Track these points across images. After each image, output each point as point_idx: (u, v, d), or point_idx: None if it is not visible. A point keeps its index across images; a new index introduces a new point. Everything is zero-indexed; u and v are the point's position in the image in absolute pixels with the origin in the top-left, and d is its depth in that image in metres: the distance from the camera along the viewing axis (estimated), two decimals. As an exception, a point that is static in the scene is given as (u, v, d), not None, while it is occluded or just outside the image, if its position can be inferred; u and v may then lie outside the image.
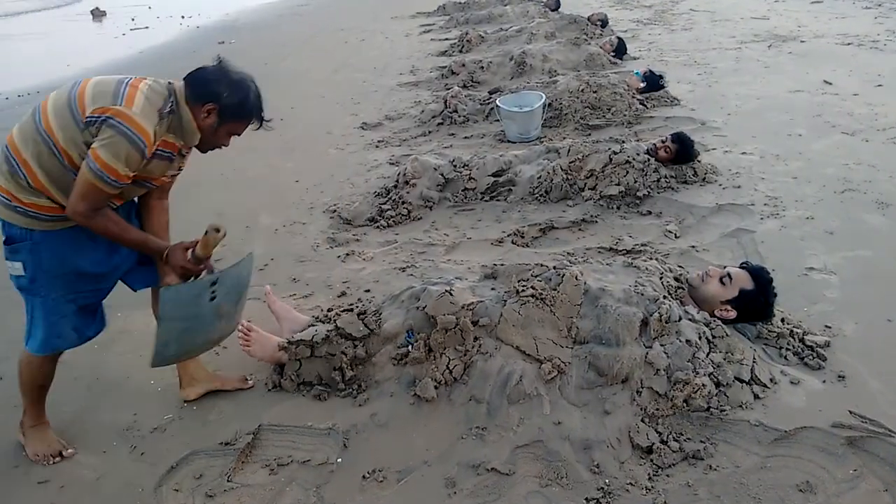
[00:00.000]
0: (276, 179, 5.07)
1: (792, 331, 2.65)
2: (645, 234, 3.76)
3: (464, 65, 7.67)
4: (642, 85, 6.05)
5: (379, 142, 5.73)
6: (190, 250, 2.23)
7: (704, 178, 4.27)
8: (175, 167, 2.32)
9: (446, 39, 10.30)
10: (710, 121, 5.42)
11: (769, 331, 2.64)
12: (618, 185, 4.14)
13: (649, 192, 4.11)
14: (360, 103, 7.09)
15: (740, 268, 2.67)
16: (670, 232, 3.72)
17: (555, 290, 2.58)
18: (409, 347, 2.57)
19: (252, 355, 2.69)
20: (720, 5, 11.04)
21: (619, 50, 7.83)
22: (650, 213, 3.98)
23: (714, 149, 4.81)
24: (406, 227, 4.14)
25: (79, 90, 2.07)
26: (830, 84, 6.10)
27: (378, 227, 4.16)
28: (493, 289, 2.75)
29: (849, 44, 7.60)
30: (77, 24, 16.01)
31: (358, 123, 6.32)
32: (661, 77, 6.15)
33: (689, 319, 2.49)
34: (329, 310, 3.17)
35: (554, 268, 2.71)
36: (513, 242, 3.82)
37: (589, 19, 9.43)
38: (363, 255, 3.75)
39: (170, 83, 2.19)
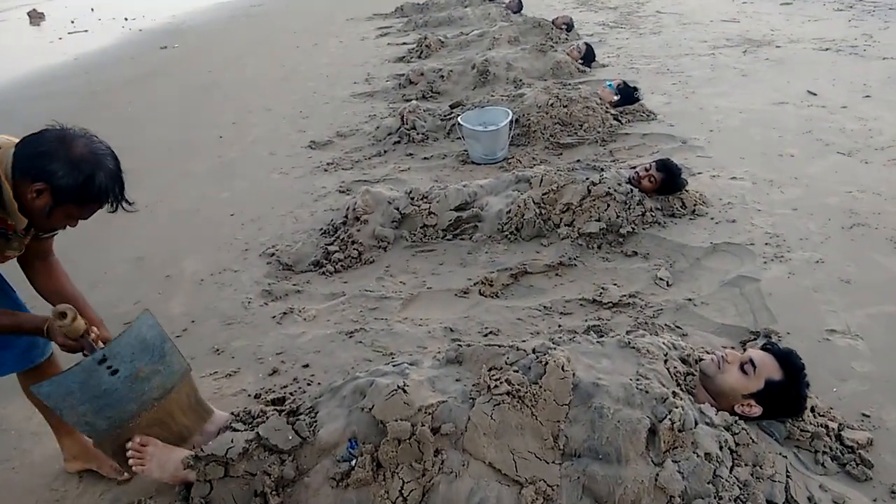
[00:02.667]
0: (209, 212, 4.43)
1: (826, 426, 2.15)
2: (632, 282, 3.24)
3: (422, 73, 7.09)
4: (616, 98, 5.56)
5: (328, 164, 5.12)
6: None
7: (694, 211, 3.78)
8: (16, 246, 1.78)
9: (404, 44, 9.70)
10: (692, 139, 4.94)
11: (801, 429, 2.13)
12: (598, 220, 3.62)
13: (634, 229, 3.60)
14: (308, 117, 6.47)
15: (763, 350, 2.16)
16: (661, 279, 3.21)
17: (536, 384, 2.03)
18: (352, 463, 2.00)
19: (148, 476, 2.09)
20: (687, 7, 10.66)
21: (587, 57, 7.34)
22: (636, 253, 3.48)
23: (700, 173, 4.33)
24: (356, 273, 3.56)
25: None
26: (815, 95, 5.69)
27: (323, 273, 3.57)
28: (457, 380, 2.19)
29: (826, 49, 7.24)
30: (12, 26, 14.96)
31: (306, 142, 5.70)
32: (635, 89, 5.66)
33: (707, 423, 1.97)
34: (256, 396, 2.58)
35: (534, 351, 2.17)
36: (480, 293, 3.27)
37: (553, 23, 8.93)
38: (304, 314, 3.16)
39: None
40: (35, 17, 15.53)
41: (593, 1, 12.13)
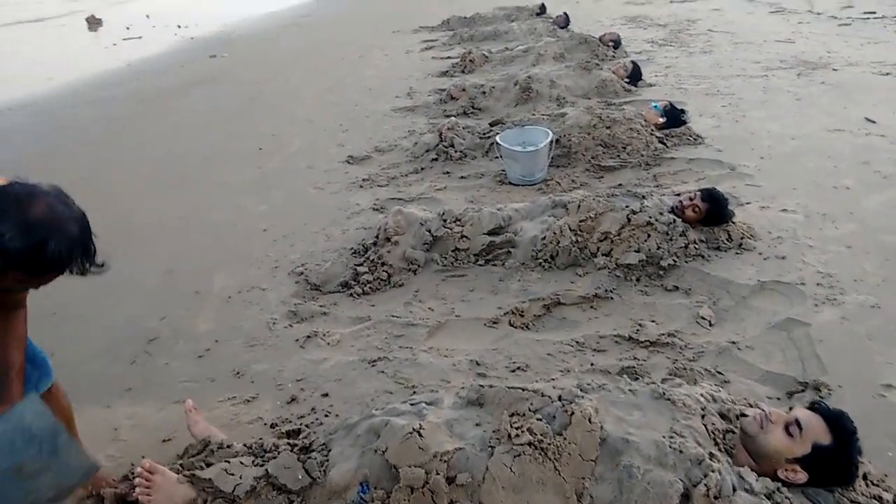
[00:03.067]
0: (243, 225, 4.41)
1: (880, 497, 1.96)
2: (672, 319, 3.08)
3: (464, 89, 7.01)
4: (662, 120, 5.38)
5: (364, 180, 5.07)
6: None
7: (741, 245, 3.59)
8: None
9: (448, 58, 9.65)
10: (741, 165, 4.74)
11: (851, 500, 1.95)
12: (637, 251, 3.46)
13: (675, 262, 3.43)
14: (348, 131, 6.44)
15: (811, 409, 1.98)
16: (703, 318, 3.04)
17: (560, 435, 1.90)
18: (363, 509, 1.90)
19: (154, 509, 2.02)
20: (740, 26, 10.36)
21: (634, 75, 7.16)
22: (677, 288, 3.31)
23: (748, 203, 4.12)
24: (384, 297, 3.47)
25: None
26: (874, 122, 5.42)
27: (351, 294, 3.49)
28: (477, 424, 2.07)
29: (887, 73, 6.91)
30: (71, 32, 15.43)
31: (344, 156, 5.66)
32: (682, 112, 5.47)
33: (747, 490, 1.81)
34: (272, 425, 2.51)
35: (560, 399, 2.03)
36: (510, 324, 3.15)
37: (601, 39, 8.77)
38: (328, 338, 3.08)
39: None
40: (93, 23, 15.99)
41: (642, 18, 11.91)
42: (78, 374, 2.92)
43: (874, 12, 10.23)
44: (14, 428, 1.72)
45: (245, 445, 2.23)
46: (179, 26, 15.34)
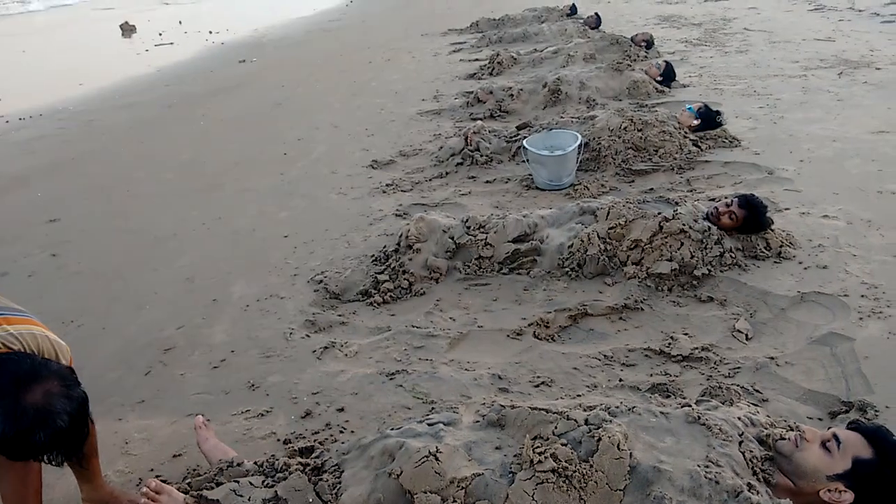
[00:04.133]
0: (264, 232, 4.35)
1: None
2: (706, 332, 2.92)
3: (491, 92, 6.89)
4: (696, 122, 5.19)
5: (387, 185, 4.98)
6: None
7: (780, 254, 3.41)
8: None
9: (476, 60, 9.54)
10: (779, 169, 4.53)
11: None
12: (670, 260, 3.31)
13: (710, 271, 3.27)
14: (374, 135, 6.36)
15: (849, 429, 1.83)
16: (740, 331, 2.87)
17: (586, 462, 1.77)
18: (375, 536, 1.80)
19: (159, 530, 1.94)
20: (777, 24, 10.06)
21: (667, 76, 6.97)
22: (711, 299, 3.14)
23: (787, 209, 3.93)
24: (405, 306, 3.37)
25: None
26: (921, 123, 5.16)
27: (371, 304, 3.39)
28: (498, 447, 1.95)
29: (934, 72, 6.62)
30: (105, 37, 15.67)
31: (368, 161, 5.58)
32: (718, 114, 5.27)
33: (788, 525, 1.66)
34: (286, 441, 2.42)
35: (587, 423, 1.90)
36: (535, 335, 3.02)
37: (633, 40, 8.58)
38: (345, 349, 2.99)
39: None
40: (127, 30, 16.22)
41: (676, 17, 11.66)
42: (93, 385, 2.86)
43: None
44: None
45: (256, 464, 2.14)
46: (211, 32, 15.50)
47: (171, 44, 14.08)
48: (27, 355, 1.61)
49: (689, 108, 5.28)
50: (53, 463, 1.58)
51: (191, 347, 3.10)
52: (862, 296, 3.01)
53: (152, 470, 2.35)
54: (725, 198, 3.57)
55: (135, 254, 4.12)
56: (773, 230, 3.50)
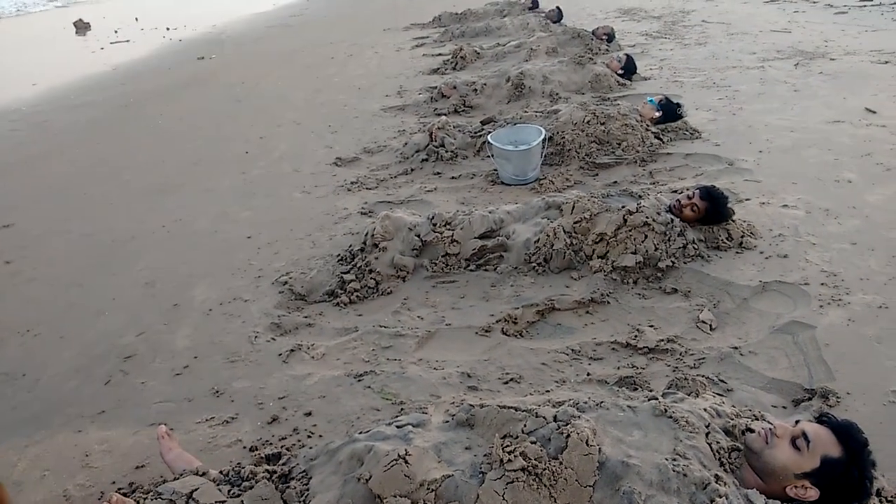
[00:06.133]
0: (227, 234, 4.26)
1: (899, 518, 1.83)
2: (671, 324, 2.95)
3: (455, 87, 6.87)
4: (657, 115, 5.24)
5: (352, 183, 4.92)
6: None
7: (741, 244, 3.45)
8: None
9: (440, 55, 9.50)
10: (739, 160, 4.60)
11: (867, 521, 1.82)
12: (634, 253, 3.33)
13: (674, 263, 3.30)
14: (337, 132, 6.29)
15: (818, 422, 1.86)
16: (704, 322, 2.90)
17: (556, 459, 1.77)
18: (344, 543, 1.77)
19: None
20: (735, 16, 10.23)
21: (628, 68, 7.03)
22: (676, 291, 3.17)
23: (748, 199, 3.99)
24: (372, 305, 3.34)
25: None
26: (874, 113, 5.28)
27: (337, 304, 3.35)
28: (467, 447, 1.94)
29: (886, 62, 6.78)
30: (59, 36, 15.23)
31: (331, 158, 5.52)
32: (678, 106, 5.34)
33: (755, 516, 1.68)
34: (252, 448, 2.37)
35: (555, 419, 1.90)
36: (503, 332, 3.01)
37: (594, 33, 8.64)
38: (312, 351, 2.94)
39: None
40: (81, 28, 15.80)
41: (636, 10, 11.78)
42: (51, 396, 2.80)
43: (871, 0, 10.10)
44: None
45: (221, 473, 2.09)
46: (168, 28, 15.18)
47: (128, 41, 13.76)
48: None
49: (651, 101, 5.32)
50: None
51: (152, 354, 3.02)
52: (822, 284, 3.07)
53: (114, 483, 2.28)
54: (687, 189, 3.62)
55: (92, 258, 4.00)
56: (734, 221, 3.54)
